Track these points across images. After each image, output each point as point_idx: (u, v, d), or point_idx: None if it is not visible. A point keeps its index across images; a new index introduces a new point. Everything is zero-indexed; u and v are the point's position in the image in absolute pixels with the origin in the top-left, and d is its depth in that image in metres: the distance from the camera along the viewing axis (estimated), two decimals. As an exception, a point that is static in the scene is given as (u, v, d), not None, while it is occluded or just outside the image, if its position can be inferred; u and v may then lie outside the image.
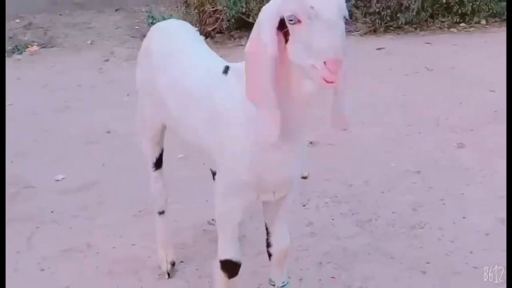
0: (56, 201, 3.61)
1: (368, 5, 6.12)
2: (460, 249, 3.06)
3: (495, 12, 6.37)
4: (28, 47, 6.28)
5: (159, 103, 2.57)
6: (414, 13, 6.15)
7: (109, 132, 4.44)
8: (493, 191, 3.50)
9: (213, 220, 3.33)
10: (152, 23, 6.28)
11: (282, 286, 2.54)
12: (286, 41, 1.86)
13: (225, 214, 2.36)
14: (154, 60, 2.61)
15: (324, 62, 1.74)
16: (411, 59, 5.61)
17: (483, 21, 6.39)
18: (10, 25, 6.82)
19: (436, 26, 6.35)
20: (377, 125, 4.35)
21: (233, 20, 6.19)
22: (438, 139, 4.17)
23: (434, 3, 6.23)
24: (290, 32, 1.83)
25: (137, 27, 6.79)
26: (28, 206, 3.56)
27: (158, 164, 2.90)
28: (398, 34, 6.23)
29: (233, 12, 6.06)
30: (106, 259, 3.09)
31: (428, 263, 2.97)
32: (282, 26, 1.86)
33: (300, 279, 2.87)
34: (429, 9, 6.25)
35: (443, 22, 6.37)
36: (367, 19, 6.19)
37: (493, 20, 6.42)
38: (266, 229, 2.52)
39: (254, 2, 6.01)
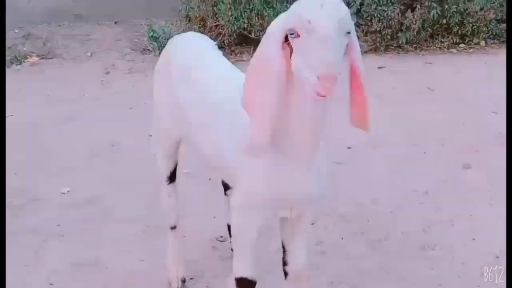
0: (62, 214, 3.58)
1: (369, 24, 6.14)
2: (471, 271, 3.05)
3: (494, 33, 6.41)
4: (27, 58, 6.24)
5: (179, 116, 2.55)
6: (415, 33, 6.17)
7: (113, 145, 4.41)
8: (502, 212, 3.49)
9: (221, 237, 3.32)
10: (153, 37, 6.29)
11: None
12: None
13: (242, 229, 2.35)
14: (174, 72, 2.59)
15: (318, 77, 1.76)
16: (412, 78, 5.63)
17: (482, 43, 6.42)
18: (9, 35, 6.76)
19: (436, 46, 6.37)
20: (382, 145, 4.35)
21: (234, 36, 6.18)
22: (443, 160, 4.17)
23: (435, 23, 6.25)
24: (292, 46, 1.86)
25: (136, 40, 6.76)
26: (34, 219, 3.53)
27: (172, 178, 2.88)
28: (399, 53, 6.25)
29: (235, 27, 6.06)
30: (115, 274, 3.07)
31: (440, 285, 2.96)
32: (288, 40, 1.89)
33: (313, 299, 2.85)
34: (429, 29, 6.28)
35: (442, 42, 6.39)
36: (368, 38, 6.20)
37: (492, 41, 6.46)
38: (283, 247, 2.50)
39: (256, 18, 6.00)
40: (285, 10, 1.96)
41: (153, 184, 3.52)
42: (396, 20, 6.12)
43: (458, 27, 6.29)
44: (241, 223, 2.34)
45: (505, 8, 6.15)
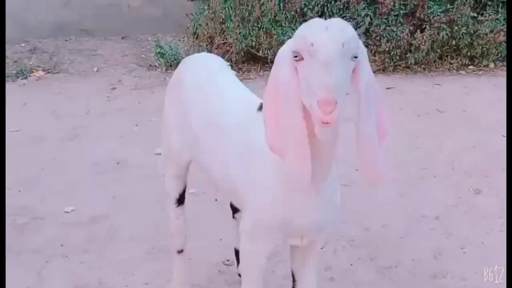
0: (66, 234, 3.51)
1: (378, 44, 6.10)
2: (484, 301, 2.99)
3: (503, 56, 6.37)
4: (33, 72, 6.20)
5: (189, 136, 2.50)
6: (424, 54, 6.13)
7: (118, 163, 4.35)
8: (514, 240, 3.44)
9: (228, 260, 3.25)
10: (160, 53, 6.26)
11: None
12: None
13: (251, 254, 2.29)
14: (186, 92, 2.53)
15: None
16: (421, 99, 5.58)
17: (492, 65, 6.38)
18: (15, 48, 6.75)
19: (444, 68, 6.32)
20: (390, 167, 4.28)
21: (242, 53, 6.15)
22: (453, 184, 4.10)
23: (444, 44, 6.21)
24: (297, 69, 1.79)
25: (143, 56, 6.73)
26: (37, 238, 3.46)
27: (181, 200, 2.81)
28: (407, 74, 6.20)
29: (243, 45, 6.02)
30: (119, 297, 3.00)
31: (452, 315, 2.90)
32: None
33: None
34: (439, 50, 6.24)
35: (451, 63, 6.35)
36: (377, 58, 6.16)
37: (501, 64, 6.41)
38: (293, 276, 2.45)
39: (264, 36, 5.97)
40: (293, 29, 1.90)
41: (159, 203, 3.50)
42: (405, 41, 6.08)
43: (467, 49, 6.25)
44: (249, 248, 2.28)
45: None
